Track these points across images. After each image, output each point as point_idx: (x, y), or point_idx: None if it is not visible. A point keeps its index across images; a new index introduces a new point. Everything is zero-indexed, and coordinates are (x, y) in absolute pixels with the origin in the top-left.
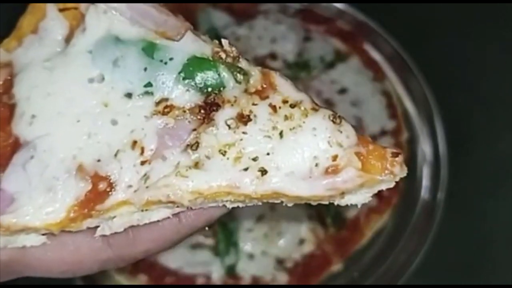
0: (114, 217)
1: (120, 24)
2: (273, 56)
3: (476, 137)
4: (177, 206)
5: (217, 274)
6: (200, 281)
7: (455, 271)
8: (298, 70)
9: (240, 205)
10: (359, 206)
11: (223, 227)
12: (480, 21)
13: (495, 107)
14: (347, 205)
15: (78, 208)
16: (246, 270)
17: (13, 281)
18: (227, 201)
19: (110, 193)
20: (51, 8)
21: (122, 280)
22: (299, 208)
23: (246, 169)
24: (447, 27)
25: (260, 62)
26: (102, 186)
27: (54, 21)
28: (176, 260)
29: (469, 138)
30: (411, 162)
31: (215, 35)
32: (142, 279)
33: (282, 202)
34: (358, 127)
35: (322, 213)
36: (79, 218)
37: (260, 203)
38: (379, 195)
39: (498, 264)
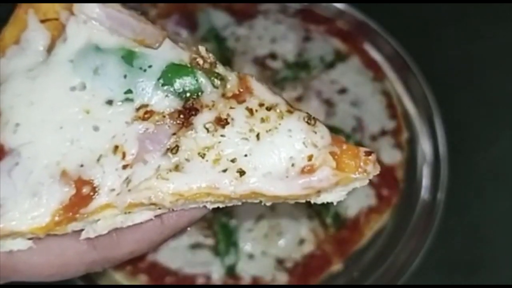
0: (98, 220)
1: (100, 34)
2: (273, 56)
3: (476, 137)
4: (159, 208)
5: (217, 274)
6: (200, 281)
7: (455, 271)
8: (298, 70)
9: (220, 205)
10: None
11: (223, 227)
12: (480, 21)
13: (495, 107)
14: (345, 206)
15: (62, 212)
16: (246, 270)
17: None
18: (207, 202)
19: (93, 197)
20: (32, 19)
21: (122, 280)
22: (299, 208)
23: (225, 171)
24: (447, 27)
25: (260, 62)
26: (85, 190)
27: (35, 31)
28: (176, 260)
29: (469, 138)
30: (411, 162)
31: (215, 35)
32: (142, 279)
33: (260, 202)
34: (358, 127)
35: (322, 213)
36: (64, 221)
37: (239, 203)
38: (379, 195)
39: (498, 264)
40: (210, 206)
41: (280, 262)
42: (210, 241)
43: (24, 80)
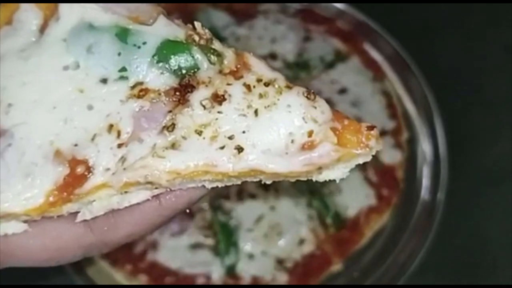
0: (94, 201)
1: (93, 12)
2: (273, 56)
3: (476, 137)
4: (156, 188)
5: (217, 274)
6: (200, 281)
7: (455, 271)
8: (298, 70)
9: (219, 184)
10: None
11: (223, 227)
12: (480, 21)
13: (495, 107)
14: (345, 206)
15: (57, 193)
16: (246, 270)
17: (13, 280)
18: (205, 180)
19: (88, 176)
20: None
21: (122, 280)
22: (299, 208)
23: (222, 148)
24: (447, 27)
25: None
26: (80, 169)
27: (28, 12)
28: (176, 260)
29: (469, 138)
30: (411, 162)
31: (215, 35)
32: (142, 279)
33: (260, 180)
34: None
35: (322, 213)
36: (58, 202)
37: (239, 182)
38: (379, 195)
39: (498, 264)
40: (209, 186)
41: (280, 262)
42: (210, 241)
43: (16, 61)
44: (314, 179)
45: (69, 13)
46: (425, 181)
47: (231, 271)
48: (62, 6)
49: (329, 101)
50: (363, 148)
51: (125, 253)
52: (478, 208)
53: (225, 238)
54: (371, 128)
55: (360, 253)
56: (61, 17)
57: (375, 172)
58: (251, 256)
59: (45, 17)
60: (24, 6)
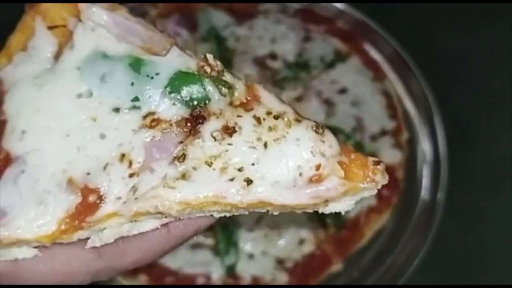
0: (104, 228)
1: (107, 41)
2: (273, 56)
3: (476, 137)
4: (166, 217)
5: (217, 274)
6: (200, 281)
7: (455, 271)
8: (298, 70)
9: (227, 214)
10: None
11: (223, 227)
12: (480, 21)
13: (495, 107)
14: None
15: (69, 220)
16: (246, 270)
17: None
18: (214, 210)
19: (100, 205)
20: (40, 26)
21: (122, 280)
22: None
23: (232, 180)
24: (447, 27)
25: (260, 62)
26: (92, 198)
27: (43, 38)
28: (176, 260)
29: (469, 138)
30: (411, 162)
31: (215, 35)
32: (142, 279)
33: (268, 211)
34: (358, 127)
35: (322, 213)
36: (70, 230)
37: (246, 212)
38: (379, 195)
39: (498, 264)
40: (217, 215)
41: (280, 262)
42: (210, 241)
43: (31, 87)
44: (320, 211)
45: (83, 42)
46: (425, 181)
47: (231, 271)
48: (77, 34)
49: (329, 101)
50: (369, 183)
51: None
52: (478, 208)
53: (225, 238)
54: (377, 163)
55: (360, 253)
56: (76, 45)
57: None
58: (251, 256)
59: (60, 45)
60: (39, 32)
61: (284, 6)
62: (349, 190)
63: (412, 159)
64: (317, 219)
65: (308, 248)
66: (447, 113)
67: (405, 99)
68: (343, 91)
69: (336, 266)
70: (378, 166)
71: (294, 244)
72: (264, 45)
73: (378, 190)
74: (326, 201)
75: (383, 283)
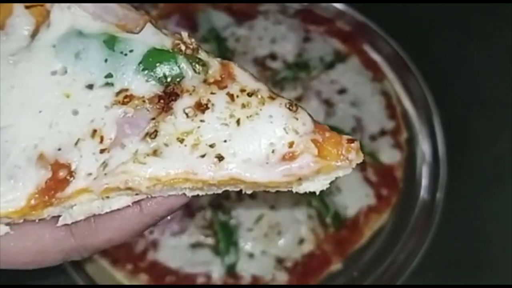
0: (75, 205)
1: (83, 19)
2: (273, 56)
3: (475, 137)
4: (137, 194)
5: (217, 273)
6: (200, 280)
7: (454, 271)
8: (297, 71)
9: (200, 193)
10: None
11: (223, 227)
12: (480, 21)
13: (495, 107)
14: (344, 205)
15: (38, 196)
16: (246, 270)
17: (13, 280)
18: (185, 188)
19: (70, 180)
20: (17, 5)
21: (122, 279)
22: (299, 208)
23: (203, 156)
24: (447, 27)
25: (260, 62)
26: (62, 173)
27: (20, 17)
28: (176, 260)
29: (469, 138)
30: (410, 162)
31: (215, 35)
32: (142, 279)
33: (241, 190)
34: (358, 127)
35: (321, 212)
36: (39, 206)
37: (219, 191)
38: (378, 194)
39: (498, 264)
40: (189, 194)
41: (280, 261)
42: (210, 241)
43: (6, 64)
44: (294, 191)
45: (60, 20)
46: (425, 181)
47: (231, 270)
48: (54, 13)
49: (328, 101)
50: (343, 161)
51: (125, 252)
52: (477, 207)
53: (225, 237)
54: (351, 141)
55: (359, 253)
56: (52, 23)
57: (374, 171)
58: (251, 256)
59: (37, 24)
60: (17, 11)
61: (284, 7)
62: (323, 168)
63: (411, 159)
64: (317, 219)
65: (307, 247)
66: (446, 113)
67: (404, 99)
68: (342, 91)
69: (336, 266)
70: (352, 144)
71: (294, 243)
72: (264, 46)
73: (378, 190)
74: (300, 180)
75: (382, 283)
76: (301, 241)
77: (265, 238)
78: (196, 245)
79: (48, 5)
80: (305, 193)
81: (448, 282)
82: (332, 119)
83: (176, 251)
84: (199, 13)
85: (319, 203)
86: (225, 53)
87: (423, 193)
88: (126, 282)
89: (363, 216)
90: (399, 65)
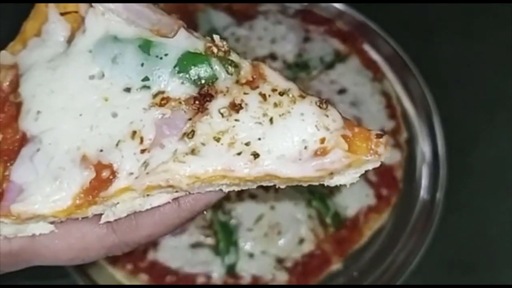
0: (117, 203)
1: (118, 25)
2: (273, 56)
3: (475, 137)
4: (176, 191)
5: (217, 273)
6: (200, 280)
7: (454, 271)
8: (297, 71)
9: (236, 188)
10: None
11: (223, 227)
12: (480, 21)
13: (495, 107)
14: (344, 205)
15: (83, 196)
16: (246, 270)
17: (13, 280)
18: (223, 184)
19: (113, 180)
20: (53, 12)
21: (122, 279)
22: (299, 208)
23: (239, 154)
24: (447, 27)
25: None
26: (105, 174)
27: (55, 24)
28: (176, 260)
29: (468, 138)
30: (410, 162)
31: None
32: (142, 279)
33: (275, 185)
34: None
35: (321, 212)
36: (84, 205)
37: (254, 186)
38: (378, 194)
39: (498, 264)
40: (226, 189)
41: (280, 261)
42: (210, 241)
43: (45, 70)
44: (325, 184)
45: (95, 26)
46: (424, 181)
47: (231, 270)
48: (89, 19)
49: (328, 102)
50: (373, 155)
51: (125, 252)
52: (477, 207)
53: (225, 237)
54: (380, 135)
55: (359, 253)
56: (87, 29)
57: (374, 172)
58: (251, 256)
59: (72, 30)
60: (52, 18)
61: (284, 7)
62: (353, 162)
63: (411, 159)
64: (317, 219)
65: (307, 247)
66: (446, 113)
67: (404, 99)
68: (342, 91)
69: (336, 266)
70: (381, 139)
71: (294, 243)
72: (264, 46)
73: (378, 190)
74: (331, 174)
75: (382, 283)
76: (301, 241)
77: (265, 238)
78: (196, 245)
79: (82, 11)
80: (305, 193)
81: (448, 282)
82: None
83: (176, 251)
84: (199, 13)
85: (319, 203)
86: None
87: (423, 193)
88: (126, 282)
89: (363, 216)
90: (399, 65)
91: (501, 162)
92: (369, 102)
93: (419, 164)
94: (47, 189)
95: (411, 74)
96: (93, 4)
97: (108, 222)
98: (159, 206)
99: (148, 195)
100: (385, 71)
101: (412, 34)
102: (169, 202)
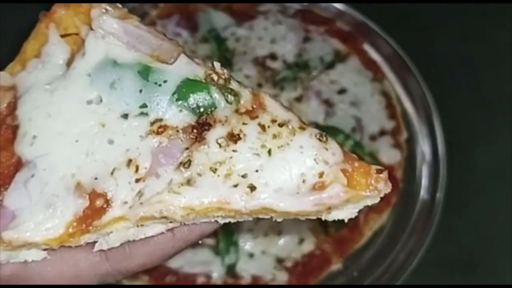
0: (111, 232)
1: (118, 49)
2: (273, 56)
3: (475, 137)
4: (171, 222)
5: (217, 273)
6: (200, 280)
7: (454, 270)
8: (297, 71)
9: (231, 220)
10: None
11: (224, 227)
12: (480, 21)
13: (494, 107)
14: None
15: (76, 224)
16: (246, 270)
17: None
18: (218, 216)
19: (106, 209)
20: (53, 33)
21: (122, 280)
22: None
23: (236, 186)
24: (446, 27)
25: (260, 62)
26: (99, 202)
27: (56, 46)
28: (176, 260)
29: (468, 138)
30: (410, 162)
31: (215, 35)
32: (143, 279)
33: (271, 217)
34: (358, 127)
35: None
36: (77, 233)
37: (250, 219)
38: None
39: (497, 264)
40: (221, 221)
41: (280, 261)
42: (210, 241)
43: (43, 93)
44: (323, 218)
45: (94, 49)
46: (424, 181)
47: (231, 270)
48: (89, 42)
49: (328, 101)
50: (372, 191)
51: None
52: (477, 207)
53: (225, 237)
54: (380, 171)
55: (359, 253)
56: (87, 52)
57: None
58: (251, 256)
59: (72, 52)
60: (52, 40)
61: (284, 7)
62: (352, 197)
63: (411, 159)
64: (317, 219)
65: (307, 247)
66: (446, 113)
67: (404, 99)
68: (342, 91)
69: (336, 266)
70: (381, 175)
71: (294, 243)
72: (264, 46)
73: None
74: (329, 209)
75: (382, 283)
76: (301, 241)
77: (265, 238)
78: (196, 245)
79: (83, 34)
80: None
81: (447, 282)
82: (332, 119)
83: None
84: (199, 13)
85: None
86: (225, 53)
87: (423, 193)
88: (126, 282)
89: (363, 216)
90: (399, 65)
91: (501, 162)
92: (369, 102)
93: (419, 164)
94: (40, 216)
95: (411, 74)
96: (93, 27)
97: (102, 250)
98: (153, 236)
99: (142, 225)
100: (385, 71)
101: (412, 34)
102: (163, 233)
